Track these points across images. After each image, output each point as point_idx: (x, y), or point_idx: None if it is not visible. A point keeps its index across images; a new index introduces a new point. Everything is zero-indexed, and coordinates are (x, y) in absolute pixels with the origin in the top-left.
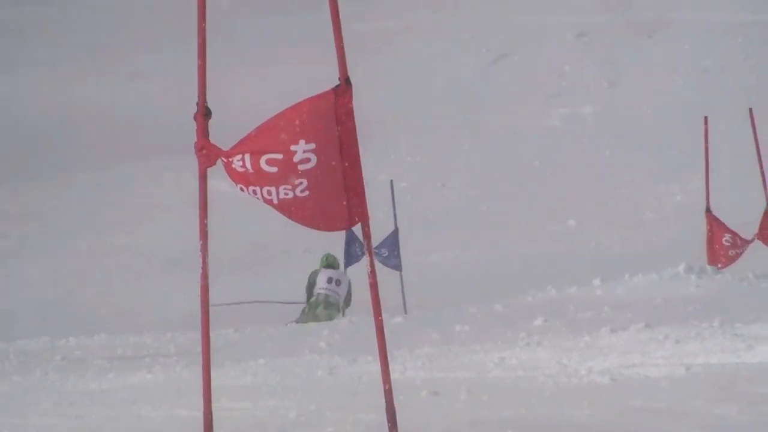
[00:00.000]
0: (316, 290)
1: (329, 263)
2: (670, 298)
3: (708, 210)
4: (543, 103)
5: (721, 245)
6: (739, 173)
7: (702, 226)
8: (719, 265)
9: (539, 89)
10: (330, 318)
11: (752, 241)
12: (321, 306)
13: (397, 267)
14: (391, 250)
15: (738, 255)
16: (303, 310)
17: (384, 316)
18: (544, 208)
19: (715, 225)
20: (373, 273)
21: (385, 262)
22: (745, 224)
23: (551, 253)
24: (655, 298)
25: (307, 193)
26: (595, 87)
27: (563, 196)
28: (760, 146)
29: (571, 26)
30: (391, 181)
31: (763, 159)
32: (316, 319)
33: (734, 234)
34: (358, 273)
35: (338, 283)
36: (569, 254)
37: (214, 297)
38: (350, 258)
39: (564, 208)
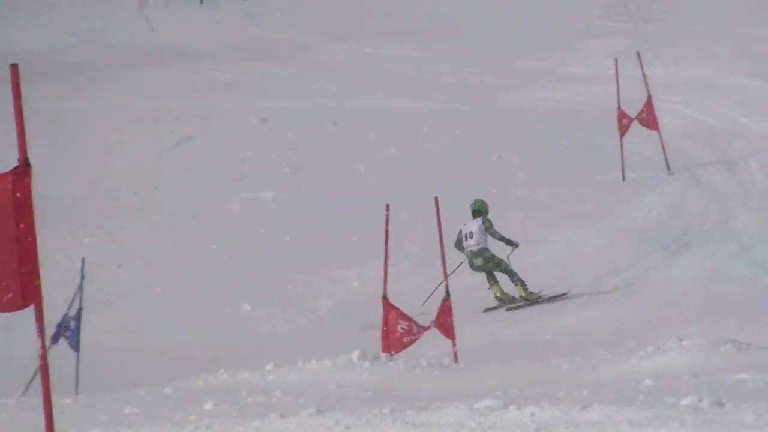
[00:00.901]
0: (465, 251)
1: (473, 209)
2: (342, 384)
3: (384, 297)
4: (225, 187)
5: (396, 332)
6: (420, 261)
7: (378, 313)
8: (393, 352)
9: (222, 173)
10: (485, 264)
11: (428, 328)
12: (474, 260)
13: (76, 347)
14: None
15: (412, 341)
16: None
17: (53, 396)
18: (220, 291)
19: (391, 312)
20: (44, 355)
21: (70, 342)
22: (423, 314)
23: (224, 337)
24: (327, 384)
25: None
26: (276, 172)
27: (240, 281)
28: (443, 232)
29: (256, 111)
30: (83, 259)
31: (445, 245)
32: (480, 270)
33: (410, 320)
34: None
35: (470, 235)
36: (243, 339)
37: None
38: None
39: (240, 293)
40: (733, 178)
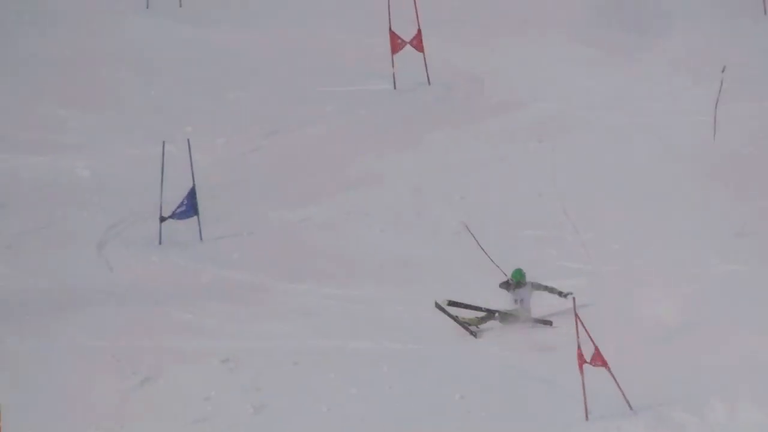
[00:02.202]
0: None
1: (518, 282)
2: None
3: None
4: (188, 427)
5: None
6: None
7: None
8: None
9: (185, 413)
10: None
11: None
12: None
13: None
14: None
15: None
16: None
17: None
18: None
19: None
20: None
21: None
22: None
23: None
24: None
25: None
26: (240, 413)
27: None
28: None
29: (217, 351)
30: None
31: None
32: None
33: None
34: None
35: (521, 302)
36: None
37: None
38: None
39: None
40: (696, 417)
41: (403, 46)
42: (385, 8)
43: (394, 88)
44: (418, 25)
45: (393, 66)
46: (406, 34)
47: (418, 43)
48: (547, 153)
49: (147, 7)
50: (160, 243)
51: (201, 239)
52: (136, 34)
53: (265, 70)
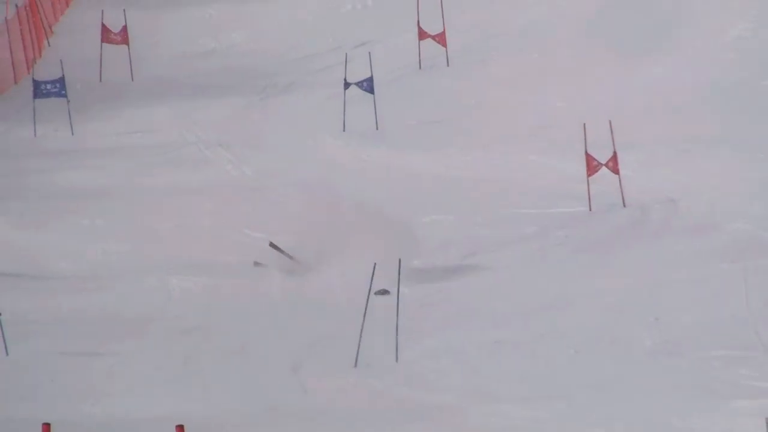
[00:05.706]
0: None
1: None
2: None
3: None
4: None
5: None
6: None
7: None
8: None
9: None
10: None
11: None
12: None
13: None
14: None
15: None
16: None
17: None
18: None
19: None
20: None
21: None
22: None
23: None
24: None
25: None
26: None
27: None
28: None
29: None
30: None
31: None
32: None
33: None
34: None
35: None
36: None
37: None
38: None
39: None
40: None
41: (599, 169)
42: (580, 132)
43: (590, 209)
44: (614, 148)
45: (588, 188)
46: (602, 156)
47: (614, 165)
48: (739, 274)
49: (343, 130)
50: (355, 365)
51: (396, 360)
52: (330, 157)
53: (461, 193)
